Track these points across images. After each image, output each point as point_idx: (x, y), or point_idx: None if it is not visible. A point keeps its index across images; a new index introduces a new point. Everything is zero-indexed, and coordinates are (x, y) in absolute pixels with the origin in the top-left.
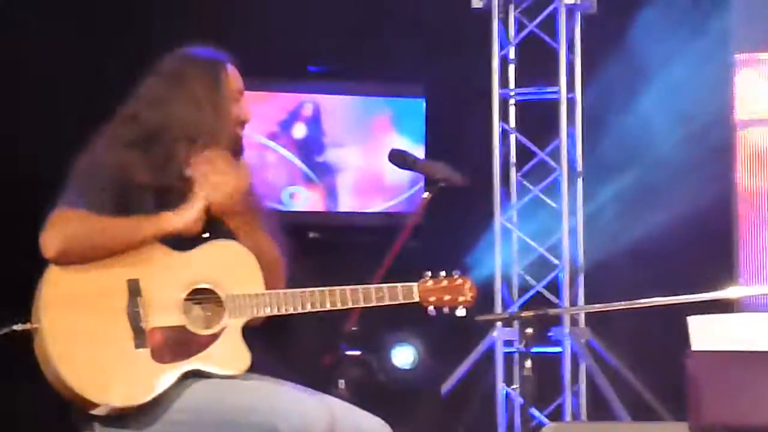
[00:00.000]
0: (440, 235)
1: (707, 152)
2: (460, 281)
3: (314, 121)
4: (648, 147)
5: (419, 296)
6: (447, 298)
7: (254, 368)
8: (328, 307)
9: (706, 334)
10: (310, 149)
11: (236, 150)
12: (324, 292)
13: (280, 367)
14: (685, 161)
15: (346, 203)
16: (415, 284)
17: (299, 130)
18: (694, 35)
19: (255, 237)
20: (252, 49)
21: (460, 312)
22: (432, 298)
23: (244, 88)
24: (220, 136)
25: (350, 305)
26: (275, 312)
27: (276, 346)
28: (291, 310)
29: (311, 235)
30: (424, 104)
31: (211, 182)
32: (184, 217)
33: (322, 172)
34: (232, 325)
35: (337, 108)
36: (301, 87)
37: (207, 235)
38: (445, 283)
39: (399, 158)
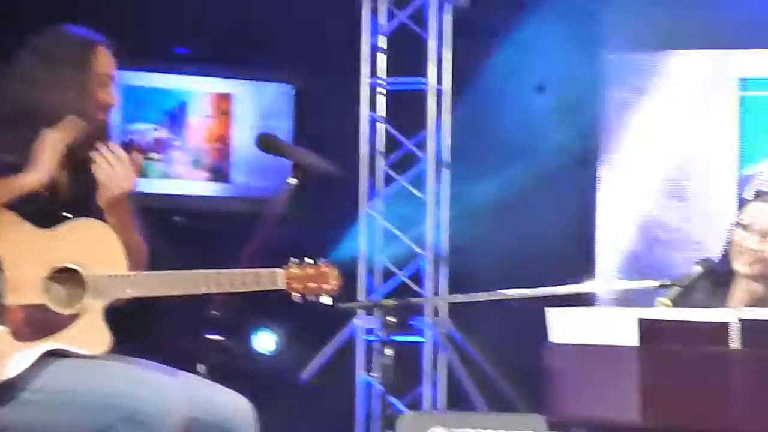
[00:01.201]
0: (306, 223)
1: (574, 148)
2: (325, 269)
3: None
4: (517, 141)
5: (284, 283)
6: (312, 285)
7: (115, 349)
8: (192, 291)
9: (565, 326)
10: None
11: (101, 135)
12: (188, 275)
13: (141, 348)
14: (552, 157)
15: (212, 187)
16: (280, 270)
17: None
18: (567, 34)
19: (128, 233)
20: (120, 30)
21: (325, 300)
22: (297, 285)
23: (115, 73)
24: (83, 119)
25: (214, 290)
26: (137, 294)
27: (138, 328)
28: (154, 293)
29: (175, 218)
30: (293, 90)
31: (103, 175)
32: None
33: (187, 157)
34: (93, 305)
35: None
36: (167, 70)
37: (69, 215)
38: (310, 270)
39: (266, 143)
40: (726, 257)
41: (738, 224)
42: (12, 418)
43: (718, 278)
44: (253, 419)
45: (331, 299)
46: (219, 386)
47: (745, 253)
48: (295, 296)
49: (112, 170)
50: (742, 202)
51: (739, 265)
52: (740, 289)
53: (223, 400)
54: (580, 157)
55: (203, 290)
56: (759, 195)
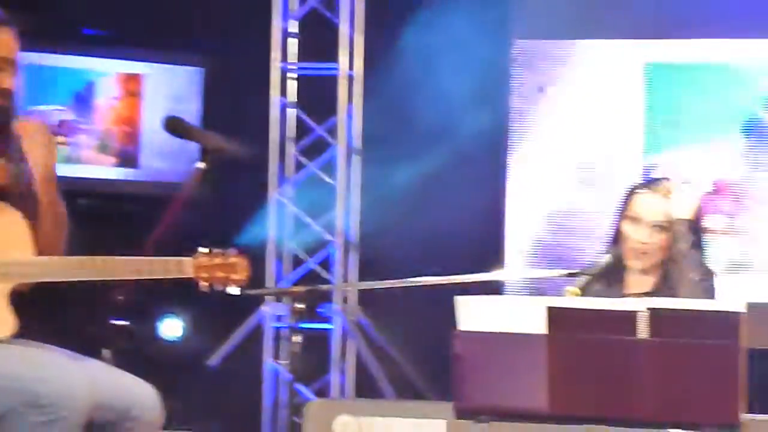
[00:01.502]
0: (214, 208)
1: (484, 136)
2: (234, 259)
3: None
4: (429, 128)
5: (192, 272)
6: (220, 275)
7: (19, 334)
8: (98, 277)
9: (473, 314)
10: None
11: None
12: (95, 261)
13: (45, 333)
14: (463, 144)
15: (119, 171)
16: (188, 259)
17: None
18: (478, 19)
19: (59, 207)
20: (25, 9)
21: (233, 290)
22: (205, 275)
23: (16, 55)
24: None
25: (122, 276)
26: (43, 279)
27: (43, 312)
28: (59, 278)
29: (81, 201)
30: (202, 73)
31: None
32: None
33: (95, 139)
34: None
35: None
36: (74, 51)
37: None
38: (218, 260)
39: (174, 126)
40: (614, 250)
41: (625, 217)
42: None
43: (612, 270)
44: (158, 406)
45: (238, 290)
46: (124, 373)
47: (635, 246)
48: (203, 285)
49: (38, 147)
50: (628, 194)
51: (629, 260)
52: (634, 282)
53: (127, 386)
54: (491, 145)
55: (110, 277)
56: (646, 186)
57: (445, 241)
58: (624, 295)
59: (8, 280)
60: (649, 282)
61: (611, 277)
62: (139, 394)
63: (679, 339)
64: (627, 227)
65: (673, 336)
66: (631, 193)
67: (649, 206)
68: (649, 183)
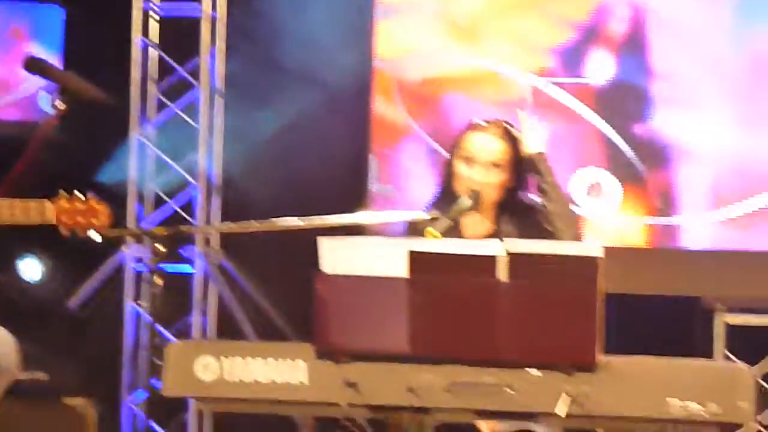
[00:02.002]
0: (74, 149)
1: (350, 79)
2: (96, 205)
3: None
4: (291, 72)
5: (54, 217)
6: (81, 220)
7: None
8: None
9: (337, 256)
10: None
11: None
12: None
13: None
14: (327, 89)
15: None
16: (50, 204)
17: None
18: None
19: None
20: None
21: (94, 236)
22: (66, 220)
23: None
24: None
25: None
26: None
27: None
28: None
29: None
30: (63, 13)
31: None
32: None
33: None
34: None
35: None
36: None
37: None
38: (80, 205)
39: (34, 65)
40: (446, 193)
41: (459, 157)
42: None
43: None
44: (14, 350)
45: (99, 236)
46: None
47: (469, 185)
48: (64, 230)
49: None
50: (461, 134)
51: (467, 200)
52: (472, 223)
53: None
54: (357, 89)
55: None
56: (473, 127)
57: (309, 185)
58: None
59: None
60: (485, 226)
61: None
62: None
63: (538, 282)
64: (461, 167)
65: (532, 279)
66: (464, 132)
67: (483, 145)
68: (482, 122)
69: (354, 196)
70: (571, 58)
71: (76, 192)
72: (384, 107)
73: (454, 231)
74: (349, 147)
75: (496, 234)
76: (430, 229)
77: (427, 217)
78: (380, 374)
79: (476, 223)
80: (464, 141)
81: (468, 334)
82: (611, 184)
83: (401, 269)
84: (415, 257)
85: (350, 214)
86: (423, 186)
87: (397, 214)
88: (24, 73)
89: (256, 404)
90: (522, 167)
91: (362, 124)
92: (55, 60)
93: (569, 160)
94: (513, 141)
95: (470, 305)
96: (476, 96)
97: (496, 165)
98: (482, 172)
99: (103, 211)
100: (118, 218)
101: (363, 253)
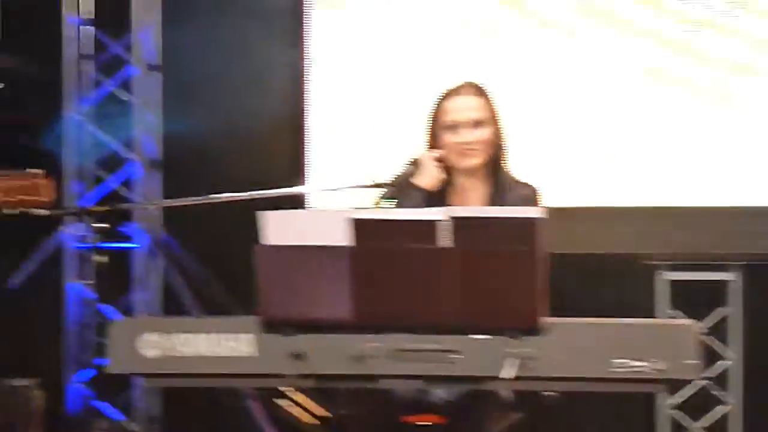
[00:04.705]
0: (10, 128)
1: (279, 40)
2: (38, 180)
3: None
4: (224, 38)
5: None
6: (24, 198)
7: None
8: None
9: (277, 228)
10: None
11: None
12: None
13: None
14: (258, 56)
15: None
16: None
17: None
18: None
19: None
20: None
21: (39, 212)
22: (9, 198)
23: None
24: None
25: None
26: None
27: None
28: None
29: None
30: None
31: None
32: None
33: None
34: None
35: None
36: None
37: None
38: (22, 181)
39: None
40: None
41: (441, 127)
42: None
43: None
44: None
45: (46, 211)
46: None
47: (467, 148)
48: (6, 210)
49: None
50: (437, 103)
51: (465, 163)
52: (462, 190)
53: None
54: (289, 53)
55: None
56: (447, 94)
57: (246, 156)
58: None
59: None
60: (477, 185)
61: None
62: None
63: (478, 246)
64: (447, 136)
65: (473, 243)
66: (439, 102)
67: (462, 106)
68: (453, 87)
69: (293, 167)
70: None
71: (15, 169)
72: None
73: (431, 203)
74: (287, 115)
75: (494, 198)
76: (376, 198)
77: (370, 184)
78: (326, 344)
79: (469, 190)
80: (442, 110)
81: (412, 300)
82: None
83: (343, 239)
84: (357, 225)
85: (289, 186)
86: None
87: (338, 183)
88: None
89: (203, 379)
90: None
91: (298, 92)
92: None
93: None
94: (487, 96)
95: (413, 272)
96: None
97: (479, 122)
98: (468, 133)
99: (45, 185)
100: (58, 197)
101: (304, 224)
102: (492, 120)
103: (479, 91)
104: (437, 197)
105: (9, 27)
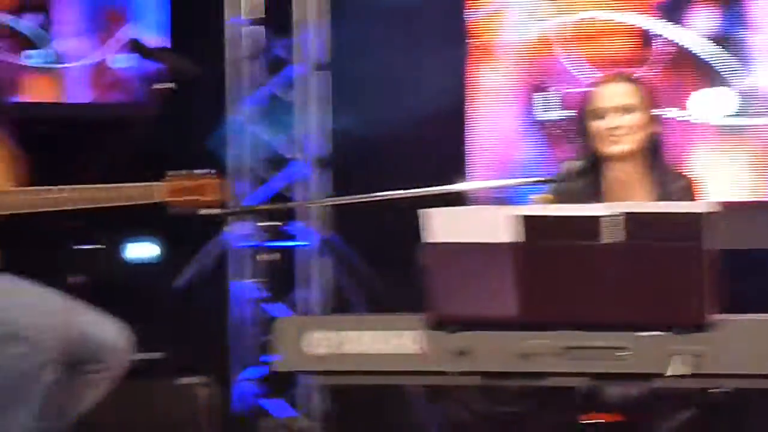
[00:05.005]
0: (179, 129)
1: (441, 44)
2: (204, 181)
3: (45, 11)
4: (388, 39)
5: (164, 197)
6: (194, 198)
7: None
8: (73, 205)
9: (441, 226)
10: (40, 39)
11: None
12: (70, 190)
13: (18, 265)
14: (422, 51)
15: (81, 95)
16: (160, 184)
17: (29, 21)
18: None
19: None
20: None
21: (206, 212)
22: (179, 198)
23: None
24: None
25: (96, 204)
26: (18, 210)
27: (13, 244)
28: (35, 208)
29: (40, 128)
30: None
31: None
32: None
33: (52, 63)
34: None
35: None
36: None
37: None
38: (192, 183)
39: (137, 47)
40: (588, 156)
41: (588, 116)
42: None
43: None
44: (128, 349)
45: (212, 211)
46: (99, 312)
47: (615, 134)
48: (174, 209)
49: None
50: (586, 94)
51: (612, 149)
52: (612, 177)
53: (100, 326)
54: (452, 56)
55: (85, 205)
56: (596, 83)
57: (410, 154)
58: (605, 196)
59: None
60: (627, 170)
61: (586, 182)
62: (112, 337)
63: (644, 242)
64: (594, 125)
65: (639, 239)
66: (588, 92)
67: (609, 93)
68: (604, 77)
69: (455, 165)
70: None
71: (184, 171)
72: (480, 73)
73: (588, 195)
74: (447, 116)
75: (655, 190)
76: (537, 195)
77: (533, 181)
78: (492, 341)
79: (620, 173)
80: (591, 99)
81: (578, 297)
82: None
83: (505, 236)
84: (521, 222)
85: (452, 184)
86: (522, 152)
87: (502, 181)
88: (127, 55)
89: (369, 376)
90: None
91: (460, 91)
92: (155, 41)
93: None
94: (638, 84)
95: (579, 268)
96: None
97: (627, 108)
98: (616, 118)
99: (212, 185)
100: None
101: (467, 221)
102: (643, 107)
103: (629, 79)
104: (593, 192)
105: (177, 29)
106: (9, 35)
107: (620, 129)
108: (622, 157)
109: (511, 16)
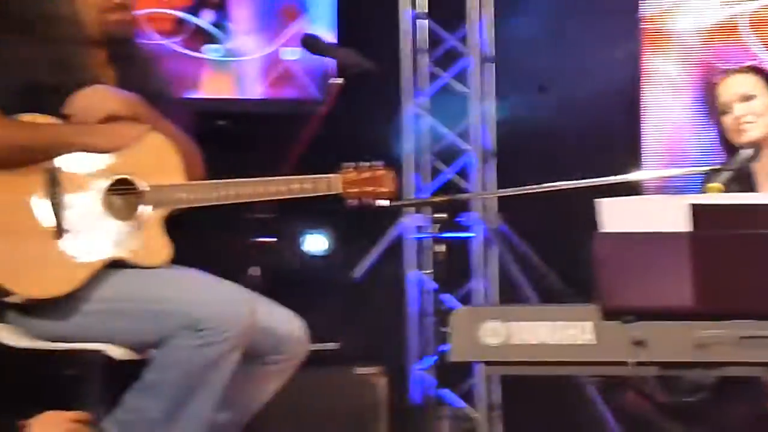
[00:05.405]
0: (350, 123)
1: (614, 36)
2: (380, 172)
3: (221, 7)
4: (559, 30)
5: (341, 188)
6: (368, 189)
7: (176, 259)
8: (252, 198)
9: (615, 216)
10: (217, 35)
11: (120, 38)
12: (249, 183)
13: (190, 257)
14: (594, 44)
15: (255, 90)
16: (338, 176)
17: (207, 17)
18: None
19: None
20: None
21: (381, 203)
22: (354, 190)
23: None
24: (81, 26)
25: (274, 196)
26: (198, 203)
27: (192, 236)
28: (214, 201)
29: (219, 123)
30: None
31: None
32: (108, 139)
33: (229, 59)
34: (154, 216)
35: None
36: None
37: None
38: (366, 174)
39: (310, 43)
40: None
41: (716, 112)
42: (76, 329)
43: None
44: (305, 342)
45: (387, 202)
46: (279, 305)
47: (747, 123)
48: (351, 201)
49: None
50: (709, 91)
51: (741, 138)
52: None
53: (281, 319)
54: (625, 48)
55: (263, 198)
56: (719, 76)
57: (581, 144)
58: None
59: (164, 205)
60: None
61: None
62: (290, 328)
63: None
64: (724, 118)
65: None
66: (713, 88)
67: (732, 84)
68: (723, 72)
69: (626, 154)
70: None
71: (361, 162)
72: (654, 62)
73: (740, 183)
74: (620, 106)
75: None
76: (710, 184)
77: (706, 170)
78: (667, 331)
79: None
80: (717, 94)
81: (753, 286)
82: None
83: (681, 226)
84: (697, 211)
85: (624, 173)
86: (695, 140)
87: (674, 170)
88: (301, 51)
89: (544, 366)
90: None
91: (632, 80)
92: (328, 36)
93: None
94: (761, 72)
95: (755, 257)
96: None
97: (748, 96)
98: (740, 108)
99: (387, 177)
100: (397, 188)
101: (641, 210)
102: (765, 92)
103: (749, 69)
104: (746, 181)
105: (348, 23)
106: (189, 31)
107: (745, 117)
108: (758, 145)
109: (689, 2)
